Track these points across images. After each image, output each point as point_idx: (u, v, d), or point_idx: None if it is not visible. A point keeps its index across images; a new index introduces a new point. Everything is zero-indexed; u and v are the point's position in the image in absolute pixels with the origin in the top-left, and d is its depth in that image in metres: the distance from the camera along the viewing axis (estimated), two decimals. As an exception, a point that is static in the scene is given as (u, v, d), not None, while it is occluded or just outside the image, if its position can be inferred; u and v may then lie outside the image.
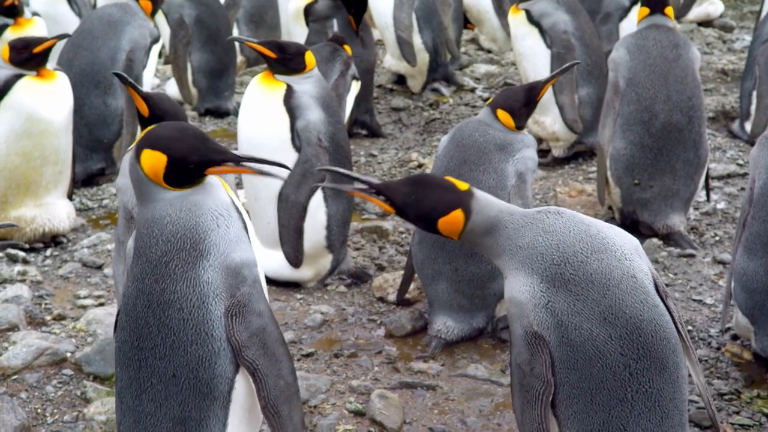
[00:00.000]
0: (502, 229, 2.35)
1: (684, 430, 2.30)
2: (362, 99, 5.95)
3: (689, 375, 2.36)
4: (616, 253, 2.27)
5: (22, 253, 4.40)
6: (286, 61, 4.07)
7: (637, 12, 6.02)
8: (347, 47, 5.27)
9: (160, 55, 7.48)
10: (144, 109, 3.13)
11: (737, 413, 3.21)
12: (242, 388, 2.28)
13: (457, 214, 2.37)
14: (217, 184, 2.37)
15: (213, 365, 2.22)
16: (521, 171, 3.60)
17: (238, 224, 2.32)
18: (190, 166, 2.25)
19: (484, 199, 2.40)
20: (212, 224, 2.28)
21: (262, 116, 4.04)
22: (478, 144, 3.61)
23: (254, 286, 2.27)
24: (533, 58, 5.51)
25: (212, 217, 2.29)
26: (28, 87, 4.38)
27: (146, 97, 3.13)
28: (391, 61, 6.91)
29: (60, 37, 4.65)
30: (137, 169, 2.29)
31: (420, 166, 5.68)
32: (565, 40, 5.39)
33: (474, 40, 8.40)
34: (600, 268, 2.25)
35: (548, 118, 5.55)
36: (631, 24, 6.07)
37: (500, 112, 3.66)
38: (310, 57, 4.11)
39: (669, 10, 4.64)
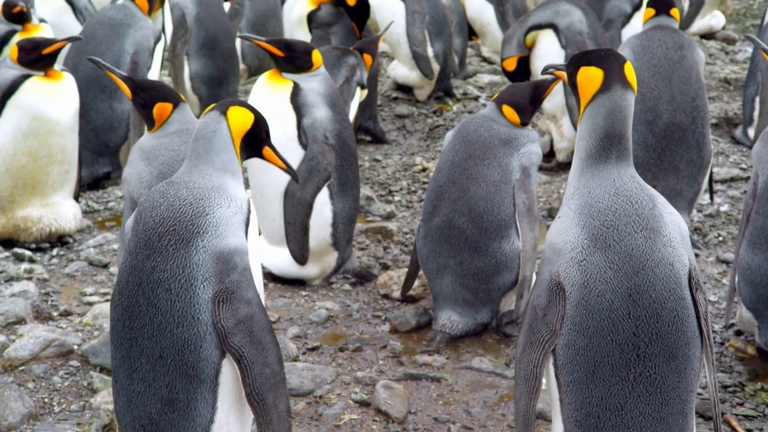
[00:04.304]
0: (616, 145, 2.34)
1: (685, 420, 2.28)
2: (366, 105, 5.98)
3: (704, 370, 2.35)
4: (665, 238, 2.27)
5: (28, 252, 4.42)
6: (293, 59, 4.11)
7: (639, 18, 6.08)
8: (367, 56, 5.26)
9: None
10: (127, 92, 3.23)
11: (741, 405, 3.22)
12: (230, 373, 2.27)
13: (596, 73, 2.37)
14: (242, 183, 2.44)
15: (198, 349, 2.23)
16: (526, 165, 3.62)
17: (243, 216, 2.34)
18: (264, 134, 2.54)
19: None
20: (222, 202, 2.31)
21: (268, 113, 3.96)
22: (483, 139, 3.63)
23: (244, 274, 2.27)
24: (548, 59, 5.52)
25: (226, 198, 2.33)
26: (35, 87, 4.40)
27: (125, 79, 3.23)
28: (401, 71, 6.92)
29: (70, 39, 4.67)
30: (221, 123, 2.42)
31: (424, 169, 5.70)
32: (580, 42, 5.41)
33: (475, 48, 8.44)
34: (644, 247, 2.25)
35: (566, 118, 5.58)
36: (633, 30, 6.10)
37: (506, 108, 3.69)
38: (317, 56, 4.14)
39: (675, 12, 4.66)
